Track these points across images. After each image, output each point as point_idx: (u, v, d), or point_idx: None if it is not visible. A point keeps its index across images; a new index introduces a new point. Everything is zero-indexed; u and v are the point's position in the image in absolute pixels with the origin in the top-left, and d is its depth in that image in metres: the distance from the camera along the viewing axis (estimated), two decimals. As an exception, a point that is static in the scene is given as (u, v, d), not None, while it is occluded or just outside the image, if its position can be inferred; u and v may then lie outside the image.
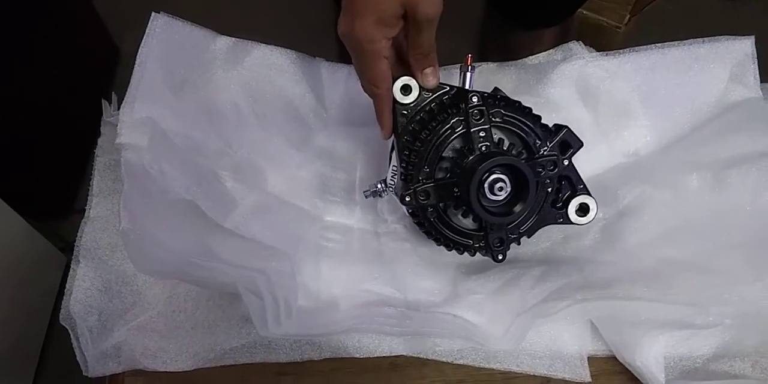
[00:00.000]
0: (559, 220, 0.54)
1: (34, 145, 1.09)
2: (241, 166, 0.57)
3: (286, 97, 0.60)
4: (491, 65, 0.64)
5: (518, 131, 0.51)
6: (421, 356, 0.52)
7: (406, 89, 0.50)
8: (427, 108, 0.51)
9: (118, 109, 0.56)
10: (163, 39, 0.55)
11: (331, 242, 0.57)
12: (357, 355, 0.52)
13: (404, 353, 0.52)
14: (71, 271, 0.54)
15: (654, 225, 0.55)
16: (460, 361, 0.52)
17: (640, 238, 0.55)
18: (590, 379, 0.52)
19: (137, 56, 0.55)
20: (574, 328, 0.53)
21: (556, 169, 0.51)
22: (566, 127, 0.52)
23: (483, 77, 0.63)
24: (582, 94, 0.63)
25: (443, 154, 0.51)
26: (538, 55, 0.63)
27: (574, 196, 0.53)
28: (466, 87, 0.53)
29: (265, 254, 0.50)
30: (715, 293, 0.50)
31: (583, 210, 0.54)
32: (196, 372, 0.51)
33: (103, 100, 0.59)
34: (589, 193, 0.54)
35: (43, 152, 1.10)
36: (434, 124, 0.50)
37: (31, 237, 0.96)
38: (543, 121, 0.52)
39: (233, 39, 0.60)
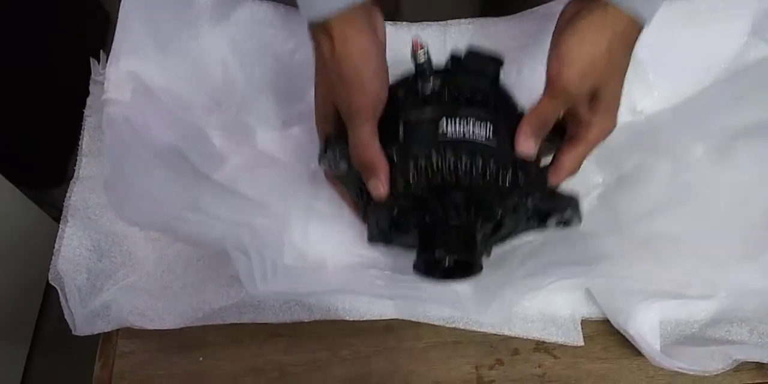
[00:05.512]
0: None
1: (27, 113, 1.09)
2: (229, 124, 0.56)
3: (275, 53, 0.58)
4: (490, 20, 0.61)
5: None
6: (413, 319, 0.52)
7: None
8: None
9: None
10: (144, -6, 0.54)
11: (322, 201, 0.56)
12: (347, 318, 0.52)
13: (395, 316, 0.52)
14: (60, 230, 0.54)
15: (652, 196, 0.53)
16: (452, 325, 0.52)
17: (637, 209, 0.53)
18: (583, 343, 0.51)
19: (119, 13, 0.53)
20: (567, 292, 0.52)
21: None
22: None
23: (484, 30, 0.60)
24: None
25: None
26: (537, 8, 0.59)
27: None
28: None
29: (253, 210, 0.49)
30: (708, 275, 0.48)
31: (565, 224, 0.49)
32: (189, 333, 0.51)
33: (91, 59, 0.58)
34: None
35: (36, 121, 1.10)
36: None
37: (23, 205, 0.97)
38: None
39: (218, -7, 0.58)
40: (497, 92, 0.47)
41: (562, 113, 0.43)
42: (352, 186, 0.47)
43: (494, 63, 0.47)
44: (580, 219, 0.47)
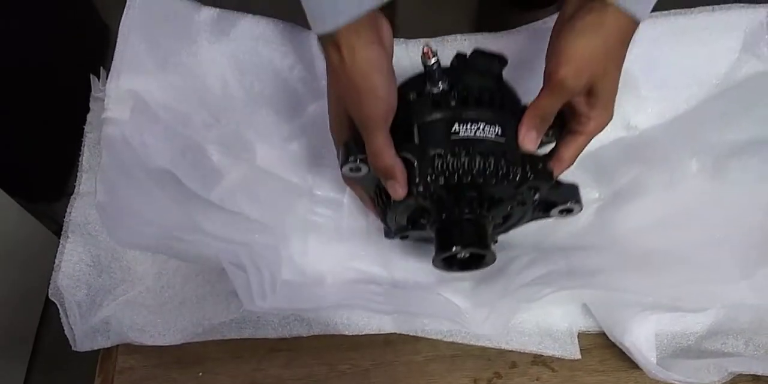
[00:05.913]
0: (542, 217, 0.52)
1: (27, 127, 1.10)
2: (228, 140, 0.56)
3: (274, 68, 0.59)
4: (486, 35, 0.62)
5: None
6: (411, 334, 0.52)
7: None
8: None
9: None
10: (145, 11, 0.54)
11: (320, 217, 0.56)
12: (346, 332, 0.52)
13: (393, 331, 0.52)
14: (60, 246, 0.54)
15: (648, 211, 0.53)
16: (450, 339, 0.52)
17: (633, 224, 0.53)
18: (580, 356, 0.51)
19: (119, 29, 0.54)
20: (564, 305, 0.52)
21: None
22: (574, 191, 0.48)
23: (479, 46, 0.60)
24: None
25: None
26: (532, 23, 0.60)
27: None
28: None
29: (250, 227, 0.50)
30: (704, 289, 0.48)
31: (567, 212, 0.50)
32: (189, 349, 0.52)
33: (91, 75, 0.59)
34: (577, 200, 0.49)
35: (36, 135, 1.10)
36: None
37: (23, 220, 0.96)
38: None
39: (217, 9, 0.58)
40: (502, 89, 0.49)
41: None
42: (370, 186, 0.49)
43: (499, 61, 0.49)
44: (581, 207, 0.49)
